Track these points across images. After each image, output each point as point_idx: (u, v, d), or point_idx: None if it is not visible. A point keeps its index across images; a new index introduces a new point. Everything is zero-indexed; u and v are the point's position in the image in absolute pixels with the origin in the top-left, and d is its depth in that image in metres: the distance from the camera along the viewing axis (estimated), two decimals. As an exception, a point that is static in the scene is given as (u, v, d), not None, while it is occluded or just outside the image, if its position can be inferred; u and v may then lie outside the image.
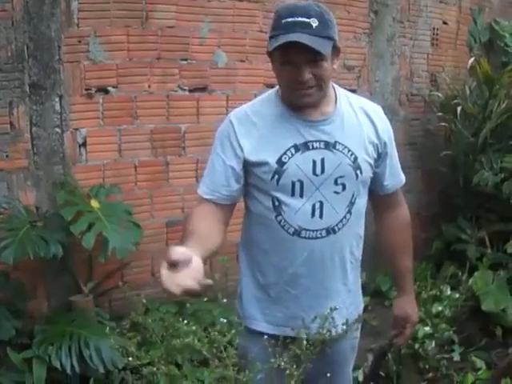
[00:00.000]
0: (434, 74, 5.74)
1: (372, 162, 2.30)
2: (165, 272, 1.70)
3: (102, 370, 3.65)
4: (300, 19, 2.05)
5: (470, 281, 4.67)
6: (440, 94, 5.54)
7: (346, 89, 2.42)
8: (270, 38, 2.12)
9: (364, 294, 2.64)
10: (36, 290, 3.99)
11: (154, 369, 2.17)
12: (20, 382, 3.58)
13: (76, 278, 4.01)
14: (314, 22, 2.04)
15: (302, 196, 2.21)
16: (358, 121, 2.29)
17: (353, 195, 2.26)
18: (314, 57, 2.06)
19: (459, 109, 5.16)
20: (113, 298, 4.21)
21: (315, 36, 2.03)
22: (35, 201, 3.95)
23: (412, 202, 2.57)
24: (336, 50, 2.16)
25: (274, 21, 2.14)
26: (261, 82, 4.49)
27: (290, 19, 2.06)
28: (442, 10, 5.78)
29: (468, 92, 5.33)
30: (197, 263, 1.76)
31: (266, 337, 2.13)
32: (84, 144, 4.06)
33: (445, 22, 5.82)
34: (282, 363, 1.96)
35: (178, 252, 1.72)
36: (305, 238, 2.24)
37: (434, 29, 5.72)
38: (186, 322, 2.22)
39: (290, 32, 2.03)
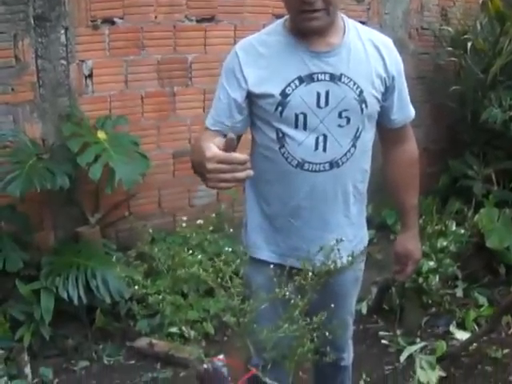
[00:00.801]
0: (445, 8, 5.64)
1: (379, 95, 2.26)
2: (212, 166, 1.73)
3: (108, 301, 3.71)
4: None
5: (476, 217, 4.67)
6: (450, 29, 5.45)
7: (355, 21, 2.38)
8: None
9: (369, 227, 2.63)
10: (43, 222, 4.03)
11: (160, 298, 2.20)
12: (28, 312, 3.65)
13: (83, 210, 4.05)
14: None
15: (305, 128, 2.19)
16: (366, 53, 2.24)
17: (357, 129, 2.24)
18: None
19: (469, 44, 5.08)
20: (119, 229, 4.25)
21: None
22: (41, 133, 3.96)
23: (420, 137, 2.56)
24: None
25: None
26: (269, 13, 4.45)
27: None
28: None
29: (479, 28, 5.25)
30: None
31: (272, 266, 2.15)
32: (90, 75, 4.05)
33: (457, -45, 5.70)
34: (287, 293, 1.98)
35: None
36: (308, 170, 2.23)
37: (445, -39, 5.61)
38: (191, 251, 2.23)
39: None
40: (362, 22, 2.41)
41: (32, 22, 3.80)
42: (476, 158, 5.23)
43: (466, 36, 5.18)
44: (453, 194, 5.20)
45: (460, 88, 5.22)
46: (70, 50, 3.95)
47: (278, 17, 4.09)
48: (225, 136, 2.01)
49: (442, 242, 4.37)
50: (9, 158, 3.73)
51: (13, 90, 3.81)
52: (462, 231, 4.60)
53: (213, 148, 1.75)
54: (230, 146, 1.72)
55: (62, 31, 3.90)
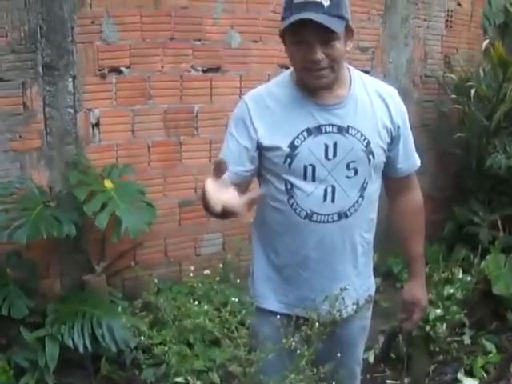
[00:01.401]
0: (448, 55, 5.70)
1: (385, 146, 2.29)
2: (211, 187, 1.70)
3: (114, 350, 3.69)
4: (312, 1, 2.04)
5: (482, 264, 4.65)
6: (454, 76, 5.49)
7: (359, 70, 2.41)
8: (282, 19, 2.11)
9: (375, 275, 2.64)
10: (49, 270, 4.02)
11: (166, 348, 2.19)
12: (33, 360, 3.62)
13: (89, 258, 4.04)
14: (326, 2, 2.03)
15: (314, 180, 2.21)
16: (372, 104, 2.28)
17: (365, 180, 2.26)
18: (326, 36, 2.05)
19: (473, 91, 5.11)
20: (125, 278, 4.23)
21: (327, 15, 2.01)
22: (48, 181, 3.97)
23: (425, 184, 2.56)
24: (349, 31, 2.15)
25: (285, 2, 2.13)
26: (274, 63, 4.46)
27: (300, 1, 2.06)
28: (456, -9, 5.74)
29: (482, 74, 5.30)
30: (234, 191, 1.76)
31: (278, 316, 2.15)
32: (97, 124, 4.07)
33: (459, 4, 5.76)
34: (293, 343, 1.97)
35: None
36: (316, 221, 2.25)
37: (448, 10, 5.67)
38: (197, 302, 2.23)
39: (302, 11, 2.02)
40: (366, 71, 2.44)
41: (40, 70, 3.85)
42: (481, 205, 5.22)
43: (469, 83, 5.21)
44: (459, 241, 5.17)
45: (464, 135, 5.25)
46: (78, 98, 3.98)
47: (283, 67, 4.19)
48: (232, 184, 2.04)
49: (448, 290, 4.35)
50: (16, 205, 3.73)
51: (20, 137, 3.84)
52: (469, 278, 4.58)
53: (208, 182, 1.72)
54: (220, 170, 1.71)
55: (70, 80, 3.94)
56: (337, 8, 2.05)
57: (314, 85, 2.17)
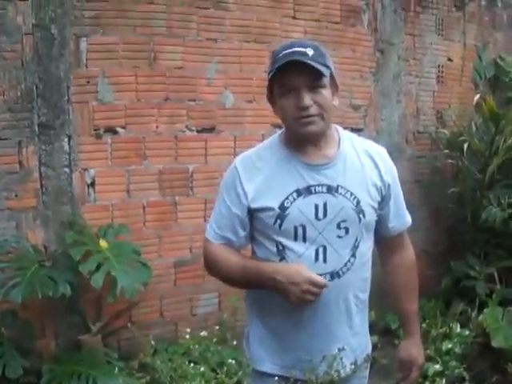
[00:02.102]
0: (440, 111, 5.78)
1: (375, 205, 2.30)
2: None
3: (110, 410, 3.64)
4: (296, 49, 2.11)
5: (480, 317, 4.63)
6: (446, 131, 5.56)
7: (352, 128, 2.45)
8: (269, 73, 2.16)
9: (373, 332, 2.63)
10: (44, 329, 4.00)
11: (162, 409, 2.18)
12: (29, 420, 3.58)
13: (84, 318, 4.03)
14: (310, 51, 2.09)
15: (304, 240, 2.21)
16: (361, 163, 2.29)
17: (356, 239, 2.26)
18: (313, 81, 2.09)
19: (466, 145, 5.17)
20: (121, 338, 4.21)
21: (312, 61, 2.07)
22: (44, 240, 3.98)
23: (420, 240, 2.57)
24: (334, 84, 2.20)
25: (271, 58, 2.19)
26: (268, 123, 4.51)
27: (286, 51, 2.11)
28: (446, 47, 5.85)
29: (474, 128, 5.36)
30: None
31: (276, 378, 2.14)
32: (92, 184, 4.10)
33: (450, 59, 5.88)
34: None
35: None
36: None
37: (439, 66, 5.78)
38: (193, 363, 2.23)
39: (288, 59, 2.08)
40: (359, 129, 2.46)
41: (36, 129, 3.90)
42: (477, 258, 5.23)
43: (462, 138, 5.27)
44: (456, 296, 5.16)
45: (458, 189, 5.28)
46: (73, 158, 4.02)
47: (277, 127, 4.22)
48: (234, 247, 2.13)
49: (447, 345, 4.33)
50: (11, 264, 3.75)
51: (16, 195, 3.87)
52: (467, 332, 4.56)
53: (309, 272, 2.11)
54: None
55: (66, 139, 3.99)
56: (321, 57, 2.11)
57: (304, 133, 2.17)
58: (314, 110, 2.11)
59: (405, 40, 5.48)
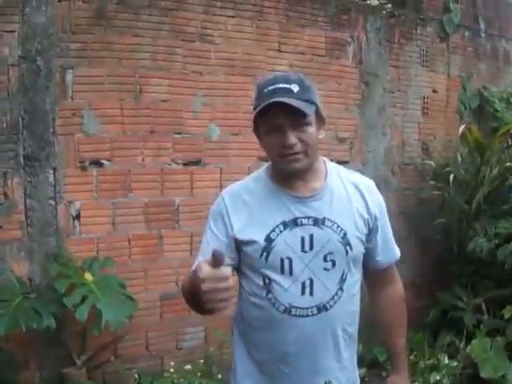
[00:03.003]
0: (426, 142, 5.82)
1: (363, 237, 2.28)
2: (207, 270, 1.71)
3: None
4: (280, 85, 2.09)
5: (468, 348, 4.63)
6: (432, 163, 5.58)
7: (338, 161, 2.43)
8: (254, 109, 2.15)
9: (360, 365, 2.61)
10: (28, 362, 3.96)
11: None
12: None
13: (69, 350, 4.00)
14: (295, 88, 2.08)
15: (291, 273, 2.19)
16: (348, 196, 2.28)
17: (343, 272, 2.23)
18: (297, 119, 2.08)
19: (452, 176, 5.20)
20: (106, 372, 4.17)
21: (297, 99, 2.06)
22: (28, 272, 3.96)
23: (407, 271, 2.55)
24: (320, 119, 2.19)
25: (255, 93, 2.18)
26: (254, 156, 4.52)
27: (270, 87, 2.10)
28: (431, 79, 5.90)
29: (460, 159, 5.40)
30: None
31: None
32: (78, 216, 4.09)
33: (434, 90, 5.92)
34: None
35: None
36: (295, 315, 2.21)
37: (424, 97, 5.82)
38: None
39: (272, 97, 2.06)
40: (345, 162, 2.46)
41: (22, 161, 3.90)
42: (464, 289, 5.24)
43: (447, 168, 5.31)
44: (443, 327, 5.16)
45: (445, 220, 5.30)
46: (59, 190, 4.02)
47: (263, 160, 4.20)
48: None
49: (435, 376, 4.33)
50: (-5, 295, 3.70)
51: (1, 227, 3.86)
52: (455, 363, 4.55)
53: (204, 268, 1.72)
54: (218, 260, 1.70)
55: (51, 171, 3.99)
56: (306, 93, 2.10)
57: (289, 169, 2.16)
58: (298, 147, 2.10)
59: (389, 72, 5.53)
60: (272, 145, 2.15)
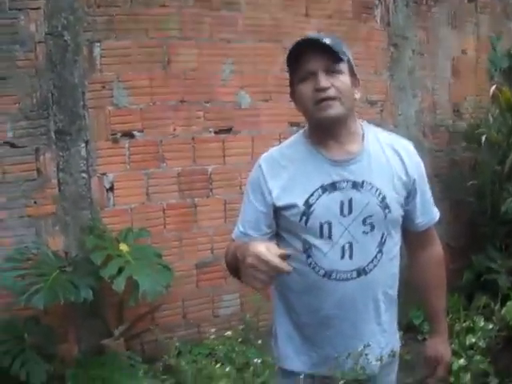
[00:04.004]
0: (457, 103, 5.74)
1: (402, 200, 2.26)
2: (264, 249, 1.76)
3: (134, 413, 3.64)
4: (311, 37, 2.10)
5: (503, 310, 4.59)
6: (463, 124, 5.53)
7: (370, 124, 2.40)
8: (288, 59, 2.14)
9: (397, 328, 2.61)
10: (67, 334, 4.03)
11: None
12: (52, 425, 3.59)
13: (107, 322, 4.04)
14: (327, 40, 2.06)
15: (330, 237, 2.19)
16: (387, 158, 2.25)
17: (382, 235, 2.23)
18: (330, 65, 2.07)
19: (483, 138, 5.13)
20: (144, 341, 4.22)
21: (329, 46, 2.05)
22: (64, 246, 4.01)
23: (440, 234, 2.52)
24: (354, 77, 2.17)
25: (288, 52, 2.16)
26: (285, 121, 4.52)
27: (301, 41, 2.09)
28: (460, 40, 5.81)
29: (491, 120, 5.32)
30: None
31: (302, 376, 2.12)
32: (111, 188, 4.12)
33: (464, 51, 5.83)
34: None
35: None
36: (335, 279, 2.21)
37: (453, 59, 5.73)
38: (218, 364, 2.22)
39: (303, 39, 2.08)
40: (377, 125, 2.43)
41: (53, 136, 3.93)
42: (498, 251, 5.20)
43: (479, 130, 5.23)
44: (478, 289, 5.12)
45: (477, 182, 5.24)
46: (91, 163, 4.04)
47: (294, 125, 4.21)
48: None
49: (470, 339, 4.28)
50: (32, 270, 3.76)
51: (35, 202, 3.90)
52: (491, 326, 4.50)
53: (259, 247, 1.77)
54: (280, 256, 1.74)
55: (83, 145, 4.01)
56: (338, 45, 2.08)
57: (324, 116, 2.12)
58: (331, 92, 2.08)
59: (418, 34, 5.45)
60: (304, 92, 2.13)
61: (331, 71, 2.08)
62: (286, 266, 1.76)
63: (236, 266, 1.97)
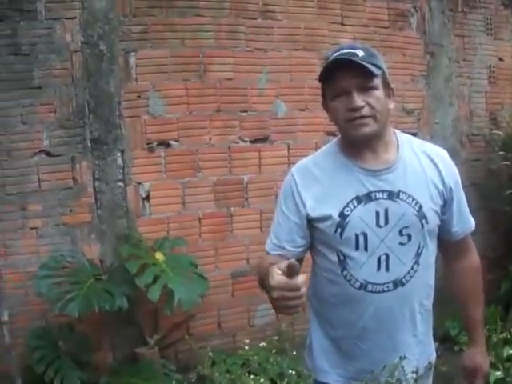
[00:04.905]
0: (494, 112, 5.67)
1: (438, 209, 2.23)
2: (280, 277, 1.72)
3: (168, 422, 3.65)
4: (345, 51, 2.07)
5: (541, 321, 4.55)
6: (500, 133, 5.46)
7: (406, 133, 2.38)
8: (320, 75, 2.12)
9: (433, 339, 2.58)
10: (101, 342, 4.05)
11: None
12: (87, 433, 3.61)
13: (141, 330, 4.06)
14: (360, 52, 2.05)
15: (366, 249, 2.16)
16: (422, 167, 2.23)
17: (419, 245, 2.20)
18: (364, 82, 2.05)
19: (521, 147, 5.08)
20: (179, 350, 4.22)
21: (362, 61, 2.03)
22: (99, 254, 4.04)
23: (478, 244, 2.49)
24: (388, 88, 2.14)
25: (322, 64, 2.14)
26: (321, 131, 4.51)
27: (336, 53, 2.08)
28: (496, 47, 5.74)
29: (528, 129, 5.27)
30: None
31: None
32: (147, 197, 4.14)
33: (500, 59, 5.76)
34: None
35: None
36: (372, 291, 2.19)
37: (490, 66, 5.67)
38: (252, 376, 2.21)
39: (336, 57, 2.05)
40: (413, 134, 2.41)
41: (89, 144, 3.97)
42: (536, 262, 5.13)
43: (516, 139, 5.18)
44: (515, 300, 5.07)
45: (514, 192, 5.18)
46: (127, 172, 4.07)
47: (330, 134, 4.20)
48: (287, 259, 2.03)
49: (508, 351, 4.24)
50: (67, 278, 3.79)
51: (71, 211, 3.94)
52: (528, 337, 4.46)
53: (276, 276, 1.72)
54: (292, 272, 1.68)
55: (119, 154, 4.04)
56: (372, 58, 2.07)
57: (357, 136, 2.11)
58: (366, 111, 2.06)
59: (454, 41, 5.40)
60: (339, 110, 2.10)
61: (365, 87, 2.06)
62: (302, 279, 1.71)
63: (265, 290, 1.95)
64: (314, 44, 4.59)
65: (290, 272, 1.68)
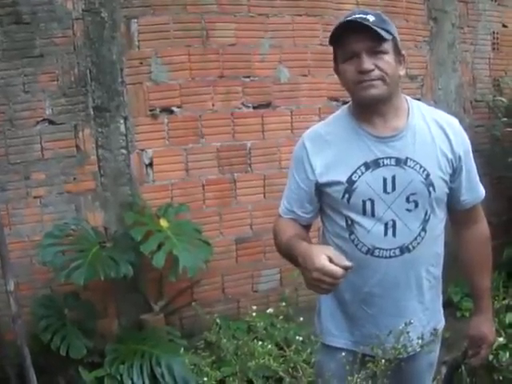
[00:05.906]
0: (497, 78, 5.64)
1: (447, 177, 2.24)
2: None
3: (173, 388, 3.67)
4: (357, 16, 2.06)
5: (544, 288, 4.56)
6: (504, 99, 5.42)
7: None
8: (330, 39, 2.12)
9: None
10: (106, 310, 4.07)
11: (228, 386, 2.17)
12: (92, 400, 3.62)
13: (146, 297, 4.07)
14: (371, 18, 2.04)
15: (373, 215, 2.18)
16: (431, 135, 2.23)
17: (426, 213, 2.21)
18: (374, 45, 2.05)
19: (524, 113, 5.06)
20: (184, 316, 4.25)
21: (373, 25, 2.02)
22: (103, 222, 4.04)
23: (483, 210, 2.51)
24: (399, 54, 2.15)
25: (332, 29, 2.13)
26: (324, 96, 4.47)
27: (347, 18, 2.07)
28: (500, 13, 5.69)
29: (532, 95, 5.25)
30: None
31: (343, 353, 2.13)
32: (150, 164, 4.13)
33: (504, 25, 5.72)
34: (359, 380, 1.95)
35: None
36: (378, 257, 2.21)
37: (493, 33, 5.63)
38: (260, 342, 2.22)
39: (347, 20, 2.06)
40: (417, 99, 2.40)
41: (92, 112, 3.95)
42: (540, 227, 5.14)
43: (520, 105, 5.16)
44: (518, 267, 5.08)
45: (518, 158, 5.17)
46: (130, 139, 4.05)
47: (333, 100, 4.17)
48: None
49: (510, 317, 4.25)
50: (72, 246, 3.80)
51: (75, 179, 3.94)
52: (531, 303, 4.48)
53: (322, 260, 1.84)
54: (343, 267, 1.84)
55: (122, 121, 4.02)
56: (382, 23, 2.06)
57: (366, 98, 2.12)
58: (375, 73, 2.06)
59: (458, 7, 5.35)
60: (348, 72, 2.11)
61: (375, 51, 2.05)
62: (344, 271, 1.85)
63: (291, 257, 2.10)
64: (317, 9, 4.54)
65: (340, 266, 1.84)
